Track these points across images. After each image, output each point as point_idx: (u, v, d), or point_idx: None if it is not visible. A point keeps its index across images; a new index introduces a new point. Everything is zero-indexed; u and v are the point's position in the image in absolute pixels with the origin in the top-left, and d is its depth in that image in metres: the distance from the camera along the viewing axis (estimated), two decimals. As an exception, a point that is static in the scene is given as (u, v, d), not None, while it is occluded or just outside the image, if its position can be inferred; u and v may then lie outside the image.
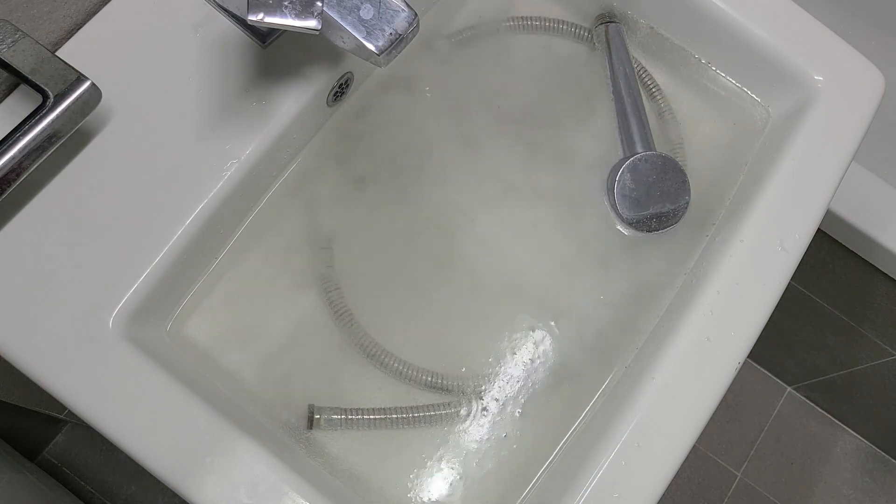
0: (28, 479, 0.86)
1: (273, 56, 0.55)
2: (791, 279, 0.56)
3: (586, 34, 0.67)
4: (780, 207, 0.58)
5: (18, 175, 0.45)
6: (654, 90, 0.65)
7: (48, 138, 0.46)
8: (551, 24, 0.67)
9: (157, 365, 0.49)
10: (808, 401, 1.47)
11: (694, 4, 0.62)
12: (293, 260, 0.59)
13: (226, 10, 0.54)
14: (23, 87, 0.51)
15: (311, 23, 0.40)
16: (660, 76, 0.66)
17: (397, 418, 0.56)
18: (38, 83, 0.46)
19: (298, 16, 0.40)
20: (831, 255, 1.02)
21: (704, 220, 0.62)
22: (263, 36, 0.54)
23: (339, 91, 0.58)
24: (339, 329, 0.59)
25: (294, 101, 0.54)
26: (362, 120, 0.62)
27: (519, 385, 0.59)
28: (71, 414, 1.04)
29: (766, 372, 1.48)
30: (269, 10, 0.39)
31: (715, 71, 0.65)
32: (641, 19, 0.66)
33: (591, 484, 0.50)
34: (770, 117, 0.64)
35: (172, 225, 0.51)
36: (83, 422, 0.49)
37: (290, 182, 0.60)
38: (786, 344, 1.33)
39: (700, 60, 0.66)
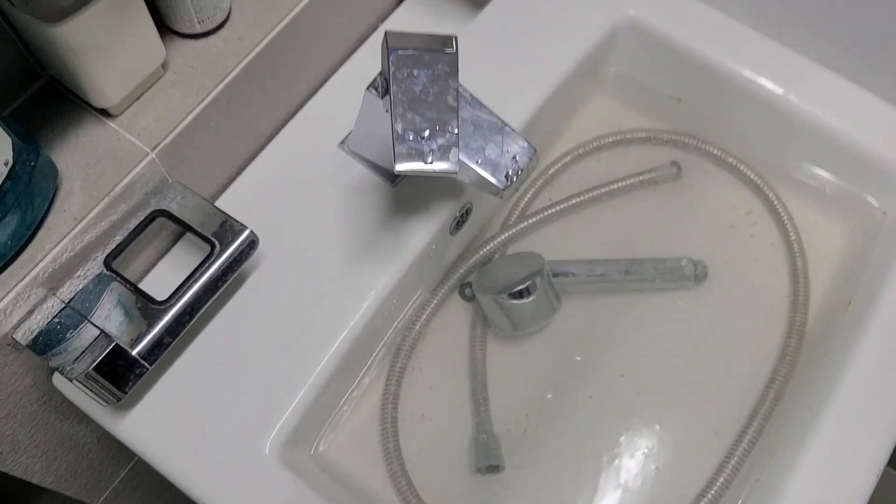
0: None
1: (401, 193, 0.60)
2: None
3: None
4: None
5: (192, 316, 0.50)
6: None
7: (216, 282, 0.51)
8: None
9: (309, 488, 0.52)
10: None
11: (793, 116, 0.65)
12: (428, 384, 0.63)
13: (361, 157, 0.60)
14: (187, 235, 0.57)
15: (450, 167, 0.45)
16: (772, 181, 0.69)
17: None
18: (205, 234, 0.52)
19: (438, 161, 0.45)
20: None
21: (827, 326, 0.63)
22: (393, 177, 0.60)
23: (461, 220, 0.63)
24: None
25: (423, 232, 0.59)
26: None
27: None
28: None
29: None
30: (414, 159, 0.44)
31: (824, 175, 0.67)
32: (746, 134, 0.69)
33: None
34: (886, 218, 0.65)
35: (318, 355, 0.55)
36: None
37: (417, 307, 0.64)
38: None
39: (806, 165, 0.68)
